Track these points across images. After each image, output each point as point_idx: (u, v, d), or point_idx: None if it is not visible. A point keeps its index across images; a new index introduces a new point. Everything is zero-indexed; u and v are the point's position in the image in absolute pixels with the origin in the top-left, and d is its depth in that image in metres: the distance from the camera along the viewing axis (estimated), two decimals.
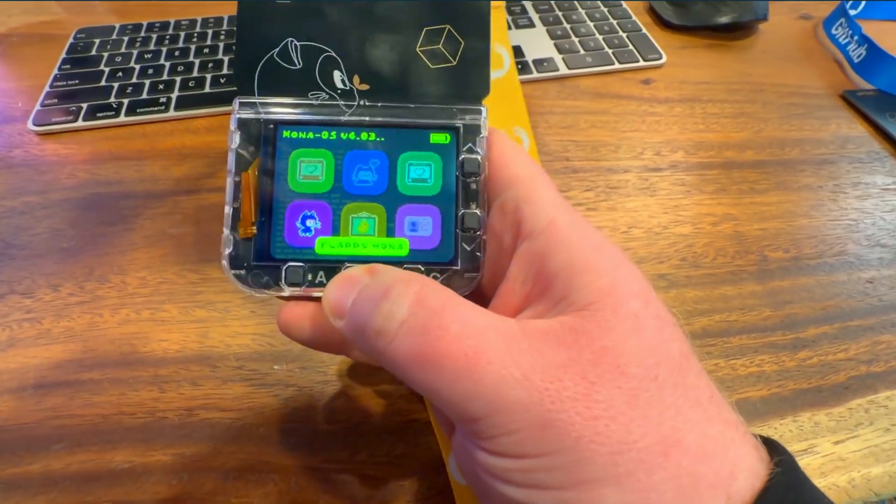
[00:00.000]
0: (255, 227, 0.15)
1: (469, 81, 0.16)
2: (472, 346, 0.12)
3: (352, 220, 0.16)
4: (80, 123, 0.34)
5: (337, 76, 0.16)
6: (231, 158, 0.15)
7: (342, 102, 0.16)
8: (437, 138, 0.16)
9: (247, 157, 0.15)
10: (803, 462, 0.21)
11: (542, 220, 0.14)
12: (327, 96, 0.16)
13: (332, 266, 0.15)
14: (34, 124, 0.34)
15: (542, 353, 0.12)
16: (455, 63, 0.16)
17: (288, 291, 0.15)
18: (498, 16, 0.26)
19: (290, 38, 0.16)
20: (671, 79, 0.39)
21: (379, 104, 0.16)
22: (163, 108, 0.35)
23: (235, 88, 0.16)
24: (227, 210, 0.15)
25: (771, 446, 0.12)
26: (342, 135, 0.16)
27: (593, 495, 0.11)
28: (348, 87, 0.16)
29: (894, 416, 0.22)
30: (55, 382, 0.23)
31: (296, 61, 0.16)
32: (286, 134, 0.16)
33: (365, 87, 0.16)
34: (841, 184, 0.32)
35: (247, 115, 0.16)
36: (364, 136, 0.16)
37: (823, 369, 0.24)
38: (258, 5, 0.16)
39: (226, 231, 0.15)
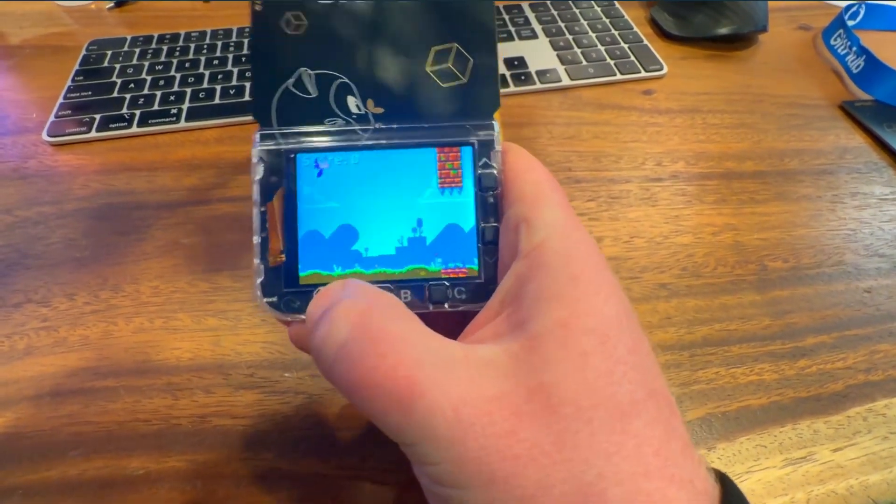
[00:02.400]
0: (283, 255, 0.16)
1: (480, 98, 0.17)
2: (406, 376, 0.11)
3: None
4: (93, 134, 0.35)
5: (352, 101, 0.16)
6: (256, 190, 0.16)
7: (358, 127, 0.16)
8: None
9: (270, 187, 0.16)
10: (802, 469, 0.21)
11: (533, 241, 0.14)
12: (343, 122, 0.16)
13: None
14: (48, 135, 0.34)
15: (478, 384, 0.12)
16: (465, 80, 0.17)
17: None
18: None
19: (303, 68, 0.16)
20: (672, 89, 0.39)
21: (394, 126, 0.17)
22: (174, 119, 0.36)
23: (253, 120, 0.16)
24: (256, 240, 0.16)
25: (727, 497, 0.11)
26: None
27: None
28: (363, 112, 0.16)
29: (892, 425, 0.23)
30: (71, 390, 0.24)
31: (311, 90, 0.16)
32: (307, 162, 0.16)
33: (379, 110, 0.17)
34: (840, 194, 0.33)
35: (267, 146, 0.16)
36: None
37: (822, 378, 0.24)
38: (270, 37, 0.16)
39: (256, 261, 0.16)
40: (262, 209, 0.16)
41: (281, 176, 0.16)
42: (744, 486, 0.21)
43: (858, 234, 0.30)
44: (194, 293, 0.27)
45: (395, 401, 0.11)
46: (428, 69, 0.17)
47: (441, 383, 0.12)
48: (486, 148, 0.17)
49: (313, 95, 0.16)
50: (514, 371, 0.12)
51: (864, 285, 0.28)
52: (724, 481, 0.12)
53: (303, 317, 0.16)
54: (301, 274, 0.16)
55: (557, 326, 0.12)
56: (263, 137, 0.16)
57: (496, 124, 0.17)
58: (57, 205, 0.31)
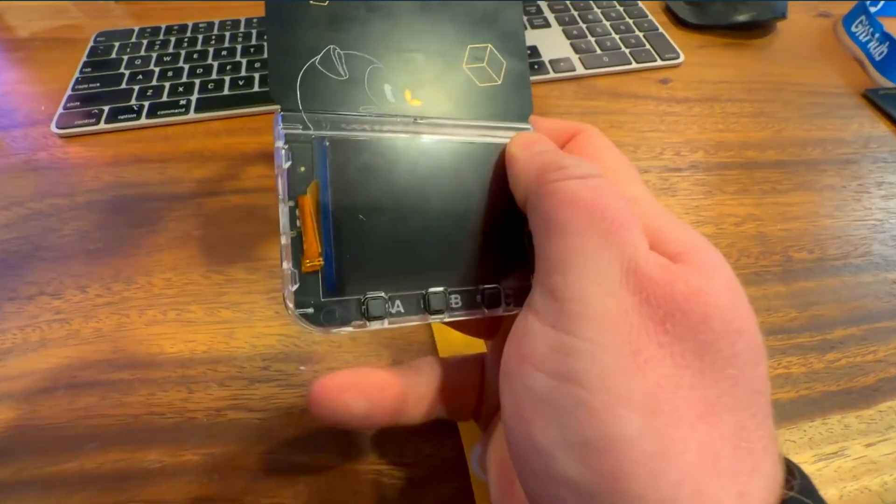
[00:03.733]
0: (321, 259, 0.13)
1: (514, 100, 0.16)
2: (624, 218, 0.12)
3: None
4: (102, 126, 0.34)
5: (388, 90, 0.15)
6: (282, 181, 0.13)
7: (400, 116, 0.15)
8: None
9: (300, 178, 0.14)
10: (834, 465, 0.21)
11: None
12: (379, 111, 0.15)
13: (408, 294, 0.14)
14: (57, 127, 0.34)
15: (650, 263, 0.11)
16: (500, 82, 0.16)
17: (373, 327, 0.14)
18: None
19: (331, 45, 0.15)
20: (689, 78, 0.39)
21: (436, 119, 0.15)
22: (183, 110, 0.35)
23: (273, 101, 0.14)
24: (284, 241, 0.13)
25: (798, 475, 0.11)
26: None
27: (617, 412, 0.10)
28: (401, 102, 0.15)
29: None
30: (86, 382, 0.23)
31: (342, 71, 0.15)
32: (347, 151, 0.14)
33: (417, 102, 0.15)
34: (865, 183, 0.32)
35: (294, 130, 0.14)
36: None
37: (852, 371, 0.24)
38: (289, 6, 0.14)
39: (285, 265, 0.13)
40: (292, 204, 0.13)
41: (313, 165, 0.14)
42: None
43: (885, 225, 0.29)
44: (208, 285, 0.27)
45: (601, 230, 0.11)
46: (465, 66, 0.16)
47: (640, 239, 0.12)
48: None
49: (345, 77, 0.15)
50: (675, 269, 0.11)
51: (892, 276, 0.27)
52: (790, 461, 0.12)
53: (350, 329, 0.14)
54: (346, 280, 0.14)
55: (697, 249, 0.12)
56: (287, 119, 0.14)
57: (531, 129, 0.16)
58: (69, 197, 0.31)
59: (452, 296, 0.15)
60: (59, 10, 0.45)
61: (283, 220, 0.13)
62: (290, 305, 0.13)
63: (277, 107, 0.14)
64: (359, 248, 0.14)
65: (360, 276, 0.14)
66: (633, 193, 0.14)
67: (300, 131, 0.14)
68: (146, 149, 0.33)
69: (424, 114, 0.15)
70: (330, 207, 0.14)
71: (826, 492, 0.20)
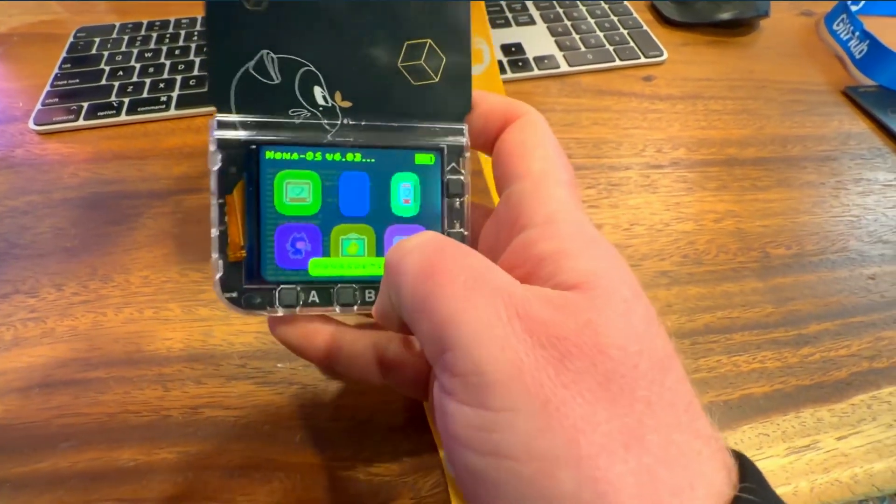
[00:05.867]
0: (244, 251, 0.15)
1: (451, 99, 0.16)
2: (474, 278, 0.12)
3: (342, 242, 0.16)
4: (81, 122, 0.34)
5: (318, 92, 0.15)
6: (213, 180, 0.15)
7: (325, 121, 0.16)
8: (422, 159, 0.16)
9: (229, 178, 0.15)
10: (806, 458, 0.21)
11: (540, 214, 0.13)
12: (309, 114, 0.15)
13: (323, 286, 0.16)
14: (35, 124, 0.34)
15: (532, 306, 0.11)
16: (437, 80, 0.16)
17: (282, 312, 0.16)
18: (477, 8, 0.25)
19: (265, 50, 0.15)
20: (673, 75, 0.39)
21: (363, 123, 0.16)
22: (164, 106, 0.35)
23: (210, 105, 0.15)
24: (214, 233, 0.15)
25: (743, 468, 0.11)
26: (328, 156, 0.16)
27: (550, 474, 0.10)
28: (330, 105, 0.16)
29: None
30: (61, 381, 0.23)
31: (273, 76, 0.15)
32: (269, 155, 0.15)
33: (347, 104, 0.16)
34: (843, 180, 0.32)
35: (227, 134, 0.15)
36: (350, 156, 0.16)
37: (826, 365, 0.24)
38: (228, 12, 0.15)
39: (214, 255, 0.15)
40: (221, 201, 0.15)
41: (241, 167, 0.15)
42: None
43: (862, 221, 0.30)
44: (185, 283, 0.26)
45: (453, 294, 0.11)
46: (399, 65, 0.16)
47: (500, 294, 0.11)
48: (455, 153, 0.16)
49: (276, 82, 0.15)
50: (563, 306, 0.11)
51: (868, 272, 0.27)
52: (736, 452, 0.12)
53: (265, 313, 0.16)
54: (265, 271, 0.15)
55: (594, 277, 0.12)
56: (221, 125, 0.15)
57: (465, 129, 0.16)
58: (45, 194, 0.30)
59: (366, 291, 0.16)
60: (40, 6, 0.45)
61: (213, 215, 0.15)
62: (218, 289, 0.15)
63: (214, 110, 0.15)
64: (277, 244, 0.16)
65: (276, 268, 0.16)
66: (552, 205, 0.14)
67: (231, 136, 0.15)
68: (126, 145, 0.33)
69: (354, 115, 0.16)
70: (253, 205, 0.15)
71: (797, 484, 0.20)
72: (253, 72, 0.15)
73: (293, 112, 0.15)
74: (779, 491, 0.20)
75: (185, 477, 0.20)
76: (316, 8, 0.15)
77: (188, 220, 0.29)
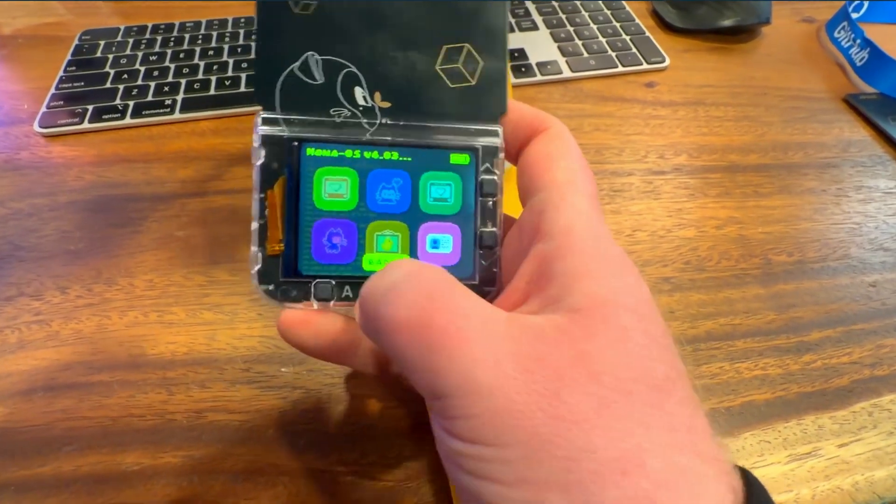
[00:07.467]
0: (282, 244, 0.16)
1: (487, 101, 0.17)
2: (451, 321, 0.12)
3: (376, 238, 0.16)
4: (85, 125, 0.34)
5: (359, 93, 0.16)
6: (256, 175, 0.16)
7: (365, 120, 0.16)
8: (458, 159, 0.16)
9: (271, 174, 0.16)
10: (807, 465, 0.21)
11: (560, 224, 0.14)
12: (349, 113, 0.16)
13: (358, 281, 0.16)
14: (40, 126, 0.34)
15: (522, 343, 0.12)
16: (474, 83, 0.16)
17: (317, 306, 0.16)
18: None
19: (310, 52, 0.16)
20: (674, 82, 0.39)
21: (401, 123, 0.16)
22: (168, 110, 0.35)
23: (256, 104, 0.16)
24: (254, 226, 0.16)
25: (750, 490, 0.11)
26: (366, 153, 0.16)
27: (539, 498, 0.10)
28: (370, 105, 0.16)
29: None
30: (65, 384, 0.23)
31: (317, 76, 0.16)
32: (310, 152, 0.16)
33: (386, 104, 0.16)
34: (844, 187, 0.32)
35: (270, 131, 0.16)
36: (387, 155, 0.16)
37: (827, 373, 0.24)
38: (278, 15, 0.16)
39: (253, 247, 0.16)
40: (262, 195, 0.16)
41: (283, 163, 0.16)
42: None
43: (863, 228, 0.30)
44: (190, 287, 0.27)
45: (437, 344, 0.11)
46: (437, 68, 0.16)
47: (485, 336, 0.12)
48: (489, 154, 0.17)
49: (319, 82, 0.16)
50: (557, 338, 0.12)
51: (869, 279, 0.28)
52: (742, 469, 0.12)
53: (300, 305, 0.16)
54: (301, 264, 0.16)
55: (597, 302, 0.12)
56: (266, 121, 0.16)
57: (500, 130, 0.17)
58: (50, 196, 0.30)
59: None
60: (45, 8, 0.45)
61: (255, 208, 0.16)
62: (255, 282, 0.16)
63: (259, 108, 0.16)
64: (314, 238, 0.16)
65: (312, 262, 0.16)
66: (572, 215, 0.14)
67: (275, 133, 0.16)
68: (130, 149, 0.33)
69: (393, 115, 0.16)
70: (293, 200, 0.16)
71: (799, 491, 0.20)
72: (298, 72, 0.16)
73: (334, 111, 0.16)
74: (780, 498, 0.20)
75: (190, 481, 0.20)
76: (359, 13, 0.16)
77: (193, 223, 0.29)
